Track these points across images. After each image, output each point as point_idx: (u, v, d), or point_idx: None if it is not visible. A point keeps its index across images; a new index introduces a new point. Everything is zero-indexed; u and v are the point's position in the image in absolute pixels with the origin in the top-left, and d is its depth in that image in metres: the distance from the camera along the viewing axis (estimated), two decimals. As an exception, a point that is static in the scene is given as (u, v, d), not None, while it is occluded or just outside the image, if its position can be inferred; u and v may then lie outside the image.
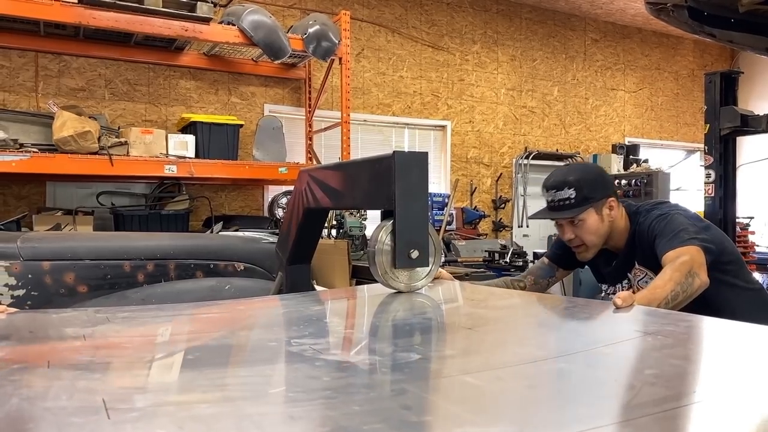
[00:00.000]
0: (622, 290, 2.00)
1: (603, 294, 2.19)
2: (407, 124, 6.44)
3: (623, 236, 2.02)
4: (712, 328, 1.15)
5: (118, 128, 4.51)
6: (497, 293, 1.73)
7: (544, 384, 0.82)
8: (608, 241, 2.03)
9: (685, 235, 1.79)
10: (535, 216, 2.21)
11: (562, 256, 2.19)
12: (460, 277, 2.41)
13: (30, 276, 2.24)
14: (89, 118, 4.19)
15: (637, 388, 0.78)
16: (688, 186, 7.83)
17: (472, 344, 1.07)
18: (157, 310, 1.54)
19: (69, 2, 3.83)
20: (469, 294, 1.71)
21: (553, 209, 2.01)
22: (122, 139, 4.21)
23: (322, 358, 0.92)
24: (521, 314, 1.44)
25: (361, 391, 0.81)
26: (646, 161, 7.28)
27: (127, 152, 4.20)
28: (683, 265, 1.69)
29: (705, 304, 1.73)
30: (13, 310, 1.37)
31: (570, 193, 1.95)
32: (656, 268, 1.86)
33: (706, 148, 3.86)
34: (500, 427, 0.65)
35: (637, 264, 2.00)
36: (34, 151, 3.85)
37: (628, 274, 2.04)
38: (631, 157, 7.22)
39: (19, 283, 2.22)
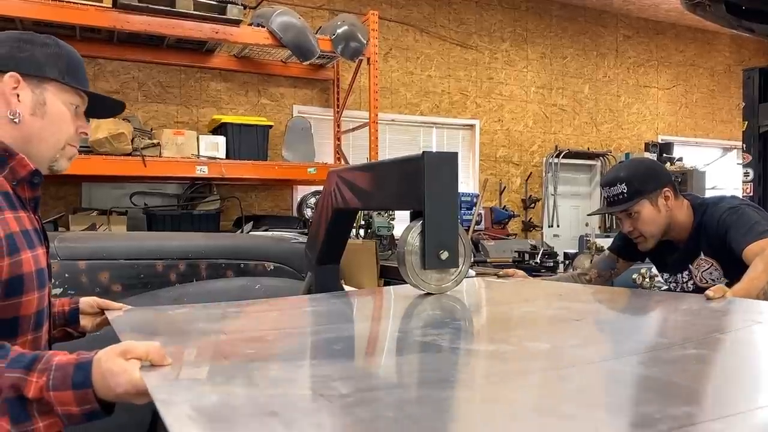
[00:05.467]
0: (683, 280, 2.11)
1: (665, 284, 2.24)
2: (435, 123, 6.42)
3: (686, 227, 2.07)
4: None
5: (151, 130, 4.60)
6: (583, 289, 1.79)
7: (690, 369, 0.84)
8: (669, 232, 2.09)
9: (760, 228, 1.83)
10: (595, 213, 2.50)
11: (623, 247, 2.28)
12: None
13: (67, 275, 2.30)
14: (123, 120, 4.27)
15: None
16: (724, 185, 7.63)
17: (591, 334, 1.10)
18: (252, 304, 1.64)
19: (104, 7, 3.92)
20: (555, 289, 1.75)
21: (609, 204, 2.13)
22: (155, 141, 4.29)
23: (461, 348, 0.95)
24: (619, 306, 1.48)
25: (526, 377, 0.83)
26: (680, 160, 7.12)
27: (160, 153, 4.27)
28: None
29: None
30: (128, 307, 1.44)
31: (622, 188, 2.05)
32: (723, 259, 1.95)
33: (744, 145, 3.76)
34: (691, 407, 0.67)
35: (702, 255, 2.05)
36: (70, 153, 3.94)
37: (690, 265, 2.08)
38: (664, 155, 7.07)
39: (56, 282, 2.27)
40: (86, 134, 1.32)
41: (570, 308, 1.44)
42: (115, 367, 0.84)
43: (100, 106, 1.37)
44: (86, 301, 1.44)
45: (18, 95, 1.18)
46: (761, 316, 1.20)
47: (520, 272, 2.09)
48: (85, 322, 1.42)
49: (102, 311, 1.43)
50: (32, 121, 1.20)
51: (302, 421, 0.64)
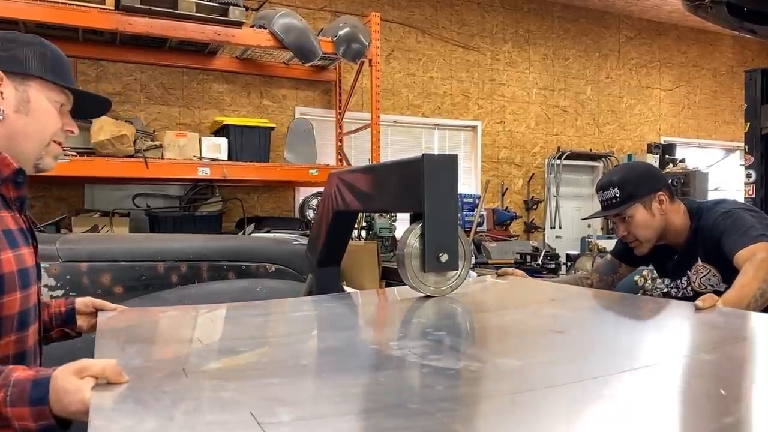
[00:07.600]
0: (683, 286, 2.08)
1: (666, 289, 2.21)
2: (437, 124, 6.42)
3: (682, 232, 2.05)
4: None
5: (153, 131, 4.61)
6: (578, 293, 1.75)
7: (653, 397, 0.81)
8: (666, 236, 2.07)
9: (754, 232, 1.79)
10: (589, 217, 2.41)
11: (624, 252, 2.25)
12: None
13: (68, 277, 2.30)
14: (125, 122, 4.29)
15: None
16: (727, 186, 7.61)
17: (566, 349, 1.07)
18: (244, 308, 1.59)
19: (106, 9, 3.93)
20: (549, 292, 1.72)
21: (603, 208, 2.12)
22: (157, 142, 4.30)
23: (428, 365, 0.92)
24: (606, 317, 1.45)
25: (492, 401, 0.81)
26: (682, 161, 7.10)
27: (162, 155, 4.28)
28: (763, 262, 1.69)
29: None
30: (123, 308, 1.48)
31: (615, 192, 2.04)
32: (720, 264, 1.90)
33: (747, 147, 3.75)
34: None
35: (699, 260, 2.01)
36: (73, 155, 3.95)
37: (688, 271, 2.05)
38: (667, 156, 7.06)
39: (58, 284, 2.28)
40: (72, 132, 1.32)
41: (557, 316, 1.39)
42: (69, 386, 0.84)
43: (88, 105, 1.38)
44: (82, 301, 1.45)
45: (2, 93, 1.19)
46: (747, 331, 1.19)
47: (519, 272, 2.07)
48: (81, 322, 1.43)
49: (97, 311, 1.43)
50: (16, 118, 1.21)
51: None
